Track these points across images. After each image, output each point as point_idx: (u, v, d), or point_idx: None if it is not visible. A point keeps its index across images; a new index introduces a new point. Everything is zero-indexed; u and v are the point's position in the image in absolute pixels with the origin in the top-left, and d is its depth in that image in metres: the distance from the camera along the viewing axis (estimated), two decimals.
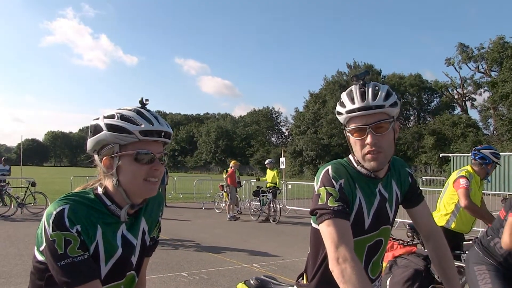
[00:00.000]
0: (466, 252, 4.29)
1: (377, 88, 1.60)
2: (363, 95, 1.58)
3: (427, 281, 3.70)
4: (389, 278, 3.86)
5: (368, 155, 1.59)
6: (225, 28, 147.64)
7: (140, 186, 1.38)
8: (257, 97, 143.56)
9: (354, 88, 1.62)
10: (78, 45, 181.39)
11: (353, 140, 1.63)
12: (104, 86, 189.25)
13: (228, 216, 12.86)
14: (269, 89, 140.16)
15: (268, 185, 13.22)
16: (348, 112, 1.60)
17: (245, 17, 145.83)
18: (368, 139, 1.57)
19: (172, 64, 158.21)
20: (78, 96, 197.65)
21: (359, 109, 1.57)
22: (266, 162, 13.81)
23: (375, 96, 1.57)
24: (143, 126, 1.35)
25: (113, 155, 1.36)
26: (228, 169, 13.75)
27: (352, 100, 1.60)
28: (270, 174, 13.34)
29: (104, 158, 1.38)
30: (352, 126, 1.61)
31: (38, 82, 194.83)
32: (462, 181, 4.21)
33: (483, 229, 4.85)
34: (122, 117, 1.37)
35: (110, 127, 1.35)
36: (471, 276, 2.64)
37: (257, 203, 13.43)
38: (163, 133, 1.38)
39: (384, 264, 4.10)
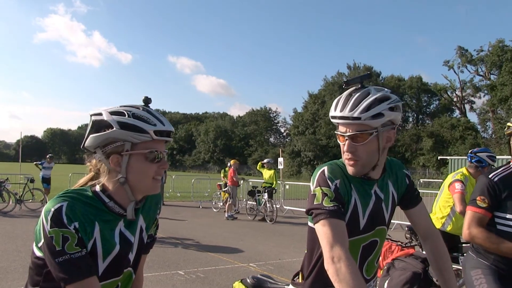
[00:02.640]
0: (465, 254, 4.31)
1: (362, 97, 1.59)
2: (344, 104, 1.60)
3: (425, 284, 3.66)
4: (386, 281, 3.83)
5: (346, 160, 1.64)
6: (219, 25, 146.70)
7: (149, 184, 1.41)
8: (253, 97, 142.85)
9: (345, 94, 1.65)
10: (72, 42, 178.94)
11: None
12: (101, 84, 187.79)
13: (226, 215, 12.87)
14: (265, 89, 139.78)
15: (264, 185, 13.18)
16: (332, 117, 1.66)
17: (240, 16, 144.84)
18: (345, 147, 1.62)
19: (166, 62, 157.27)
20: (74, 93, 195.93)
21: (338, 118, 1.61)
22: (264, 161, 13.67)
23: (354, 107, 1.57)
24: (157, 126, 1.38)
25: (122, 153, 1.37)
26: (227, 169, 13.75)
27: (335, 106, 1.63)
28: (267, 174, 13.26)
29: (113, 155, 1.38)
30: (338, 131, 1.66)
31: (33, 79, 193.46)
32: (457, 186, 4.22)
33: None
34: (134, 116, 1.38)
35: (123, 125, 1.36)
36: (468, 281, 2.65)
37: (253, 203, 13.44)
38: (171, 133, 1.43)
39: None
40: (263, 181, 13.48)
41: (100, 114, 1.40)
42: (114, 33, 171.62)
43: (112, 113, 1.39)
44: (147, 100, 1.46)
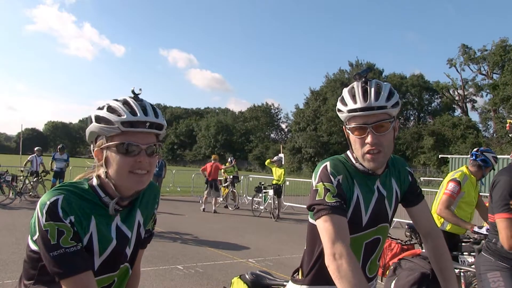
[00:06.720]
0: (464, 253, 4.28)
1: (379, 87, 1.58)
2: (365, 94, 1.56)
3: (434, 285, 3.61)
4: (393, 281, 3.76)
5: (368, 154, 1.58)
6: (213, 17, 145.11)
7: (125, 178, 1.35)
8: (249, 92, 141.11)
9: (356, 86, 1.60)
10: (63, 34, 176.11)
11: (353, 138, 1.61)
12: (96, 76, 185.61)
13: (203, 206, 13.08)
14: (262, 85, 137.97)
15: (274, 182, 12.90)
16: (349, 111, 1.58)
17: (236, 8, 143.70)
18: (369, 139, 1.56)
19: (158, 55, 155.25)
20: (70, 86, 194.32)
21: (361, 109, 1.55)
22: (274, 159, 13.16)
23: (377, 96, 1.55)
24: (124, 116, 1.31)
25: (102, 147, 1.35)
26: (227, 164, 13.71)
27: (354, 99, 1.57)
28: (278, 172, 12.85)
29: (95, 149, 1.38)
30: (352, 124, 1.59)
31: (28, 72, 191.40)
32: (450, 186, 4.19)
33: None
34: (109, 108, 1.35)
35: (97, 119, 1.35)
36: (484, 283, 2.60)
37: (259, 199, 13.38)
38: (147, 124, 1.33)
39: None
40: (263, 177, 13.39)
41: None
42: (105, 25, 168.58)
43: (98, 108, 1.38)
44: (134, 91, 1.40)
